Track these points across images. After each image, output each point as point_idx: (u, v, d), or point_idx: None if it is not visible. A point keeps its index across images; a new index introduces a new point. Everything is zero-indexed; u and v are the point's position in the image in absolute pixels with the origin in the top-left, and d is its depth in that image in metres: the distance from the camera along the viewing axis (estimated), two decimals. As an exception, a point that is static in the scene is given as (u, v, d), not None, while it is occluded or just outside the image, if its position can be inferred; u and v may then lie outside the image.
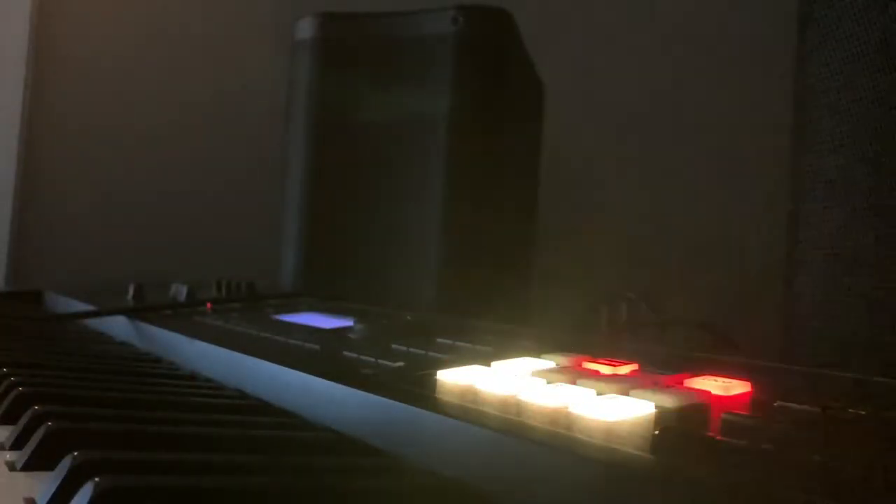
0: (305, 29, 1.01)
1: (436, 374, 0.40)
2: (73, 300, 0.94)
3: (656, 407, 0.33)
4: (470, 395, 0.38)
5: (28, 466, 0.36)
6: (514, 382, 0.37)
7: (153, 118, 1.44)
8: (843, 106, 0.70)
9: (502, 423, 0.34)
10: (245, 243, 1.36)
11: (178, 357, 0.65)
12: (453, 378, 0.39)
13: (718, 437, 0.28)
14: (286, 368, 0.49)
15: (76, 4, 1.43)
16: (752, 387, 0.37)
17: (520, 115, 1.03)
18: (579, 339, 0.52)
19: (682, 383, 0.38)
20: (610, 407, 0.32)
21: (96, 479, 0.30)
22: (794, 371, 0.41)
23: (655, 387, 0.37)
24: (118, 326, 0.79)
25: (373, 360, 0.49)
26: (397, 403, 0.38)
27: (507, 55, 0.96)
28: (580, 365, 0.43)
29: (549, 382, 0.37)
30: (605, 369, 0.41)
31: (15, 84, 1.37)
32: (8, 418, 0.44)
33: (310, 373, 0.46)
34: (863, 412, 0.31)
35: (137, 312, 0.77)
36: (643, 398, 0.34)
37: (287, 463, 0.37)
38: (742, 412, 0.31)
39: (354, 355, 0.51)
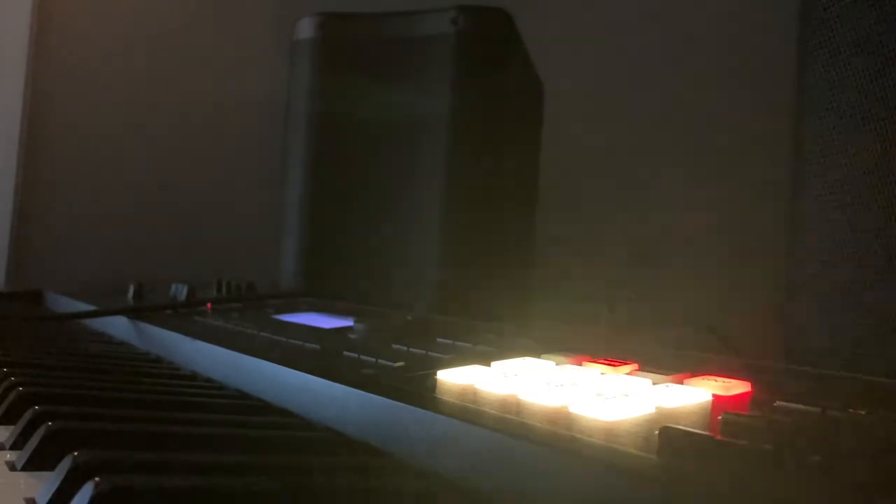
0: (305, 29, 1.01)
1: (436, 374, 0.40)
2: (73, 300, 0.94)
3: (656, 407, 0.33)
4: (470, 395, 0.38)
5: (28, 466, 0.36)
6: (514, 382, 0.37)
7: (153, 118, 1.44)
8: (844, 106, 0.70)
9: (502, 423, 0.34)
10: (245, 243, 1.36)
11: (178, 357, 0.65)
12: (453, 378, 0.39)
13: (718, 437, 0.28)
14: (286, 368, 0.49)
15: (76, 5, 1.43)
16: (752, 387, 0.37)
17: (520, 115, 1.03)
18: (579, 339, 0.52)
19: (682, 383, 0.38)
20: (610, 407, 0.32)
21: (96, 479, 0.30)
22: (794, 371, 0.41)
23: (655, 387, 0.37)
24: (118, 326, 0.79)
25: (373, 360, 0.49)
26: (397, 403, 0.38)
27: (506, 55, 0.96)
28: (580, 365, 0.43)
29: (549, 382, 0.37)
30: (605, 369, 0.41)
31: (15, 84, 1.37)
32: (8, 418, 0.44)
33: (310, 373, 0.46)
34: (863, 412, 0.31)
35: (137, 312, 0.77)
36: (643, 398, 0.34)
37: (287, 463, 0.37)
38: (742, 412, 0.31)
39: (354, 355, 0.51)
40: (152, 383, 0.55)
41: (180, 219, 1.43)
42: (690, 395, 0.35)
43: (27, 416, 0.41)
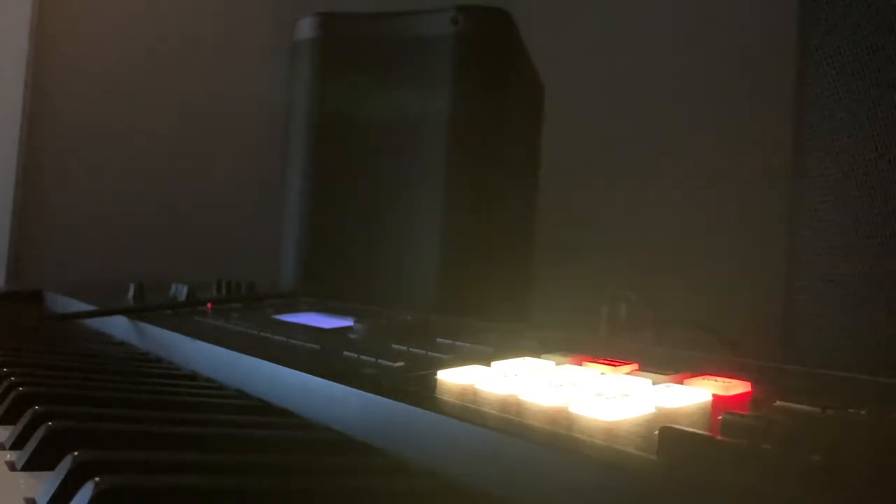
0: (305, 29, 1.01)
1: (436, 374, 0.40)
2: (73, 300, 0.94)
3: (656, 407, 0.33)
4: (470, 395, 0.38)
5: (28, 466, 0.36)
6: (514, 382, 0.37)
7: (153, 118, 1.44)
8: (844, 103, 0.70)
9: (502, 423, 0.34)
10: (245, 243, 1.36)
11: (178, 357, 0.65)
12: (453, 378, 0.39)
13: (718, 437, 0.28)
14: (286, 368, 0.49)
15: (76, 4, 1.43)
16: (752, 387, 0.37)
17: (520, 116, 1.03)
18: (579, 339, 0.52)
19: (682, 383, 0.38)
20: (610, 407, 0.32)
21: (96, 479, 0.30)
22: (794, 371, 0.41)
23: (655, 387, 0.37)
24: (118, 326, 0.79)
25: (373, 360, 0.49)
26: (397, 403, 0.38)
27: (507, 55, 0.96)
28: (580, 365, 0.43)
29: (549, 382, 0.37)
30: (605, 369, 0.41)
31: (15, 84, 1.37)
32: (8, 418, 0.44)
33: (310, 373, 0.46)
34: (863, 412, 0.31)
35: (137, 312, 0.77)
36: (643, 398, 0.34)
37: (287, 463, 0.37)
38: (742, 412, 0.31)
39: (354, 355, 0.51)
40: (152, 383, 0.55)
41: (180, 219, 1.43)
42: (690, 395, 0.35)
43: (27, 416, 0.41)
